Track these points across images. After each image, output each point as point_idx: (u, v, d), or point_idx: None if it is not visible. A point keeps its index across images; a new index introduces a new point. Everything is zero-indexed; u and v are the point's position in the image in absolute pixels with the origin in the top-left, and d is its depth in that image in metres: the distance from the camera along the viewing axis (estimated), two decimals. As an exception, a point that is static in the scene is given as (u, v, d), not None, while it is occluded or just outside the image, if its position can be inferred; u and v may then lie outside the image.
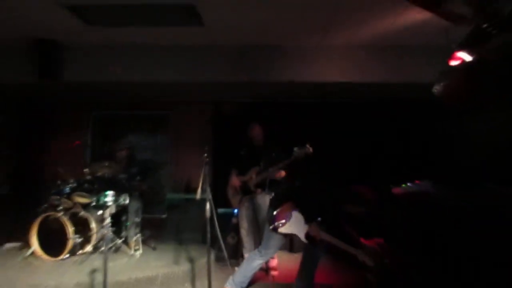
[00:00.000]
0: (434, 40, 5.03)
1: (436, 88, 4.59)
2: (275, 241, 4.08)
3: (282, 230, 4.01)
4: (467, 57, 3.96)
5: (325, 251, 4.19)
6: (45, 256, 4.82)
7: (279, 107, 6.53)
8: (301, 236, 4.05)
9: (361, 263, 3.91)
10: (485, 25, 3.59)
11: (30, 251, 4.91)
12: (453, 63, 4.20)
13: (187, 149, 7.08)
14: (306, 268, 4.20)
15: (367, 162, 6.35)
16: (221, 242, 4.03)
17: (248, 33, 5.17)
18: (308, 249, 4.20)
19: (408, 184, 4.53)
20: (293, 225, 4.06)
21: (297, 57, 5.53)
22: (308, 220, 4.08)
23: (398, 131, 6.34)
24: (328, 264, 5.84)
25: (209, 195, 3.45)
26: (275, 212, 3.98)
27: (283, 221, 3.98)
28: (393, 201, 4.72)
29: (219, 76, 5.59)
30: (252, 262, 4.14)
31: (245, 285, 4.11)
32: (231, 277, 4.10)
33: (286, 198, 4.17)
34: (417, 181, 4.50)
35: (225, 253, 3.99)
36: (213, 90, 6.31)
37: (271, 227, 4.03)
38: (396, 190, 4.65)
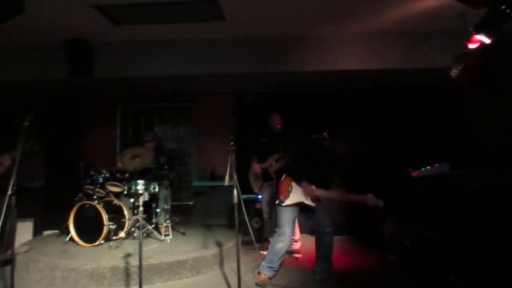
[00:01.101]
0: (450, 24, 5.03)
1: (454, 72, 4.62)
2: (285, 216, 4.22)
3: (288, 202, 4.17)
4: (486, 40, 3.99)
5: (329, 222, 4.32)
6: (81, 242, 5.06)
7: (300, 96, 6.63)
8: (308, 202, 4.21)
9: (372, 209, 4.01)
10: (503, 7, 3.62)
11: (68, 238, 5.18)
12: (471, 46, 4.23)
13: (210, 139, 7.28)
14: (321, 253, 4.32)
15: (386, 148, 6.41)
16: (249, 226, 4.20)
17: (267, 25, 5.28)
18: (318, 234, 4.32)
19: (427, 167, 4.60)
20: (296, 194, 4.24)
21: (315, 46, 5.60)
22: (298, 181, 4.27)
23: (416, 116, 6.35)
24: (349, 247, 6.00)
25: (236, 182, 3.61)
26: None
27: (285, 193, 4.13)
28: (413, 184, 4.81)
29: (240, 68, 5.72)
30: (273, 246, 4.29)
31: (275, 268, 4.26)
32: (262, 263, 4.29)
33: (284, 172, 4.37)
34: (436, 164, 4.57)
35: (253, 237, 4.16)
36: (235, 81, 6.45)
37: (276, 202, 4.25)
38: (415, 173, 4.73)
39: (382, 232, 5.50)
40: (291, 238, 4.40)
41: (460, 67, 4.59)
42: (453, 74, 4.65)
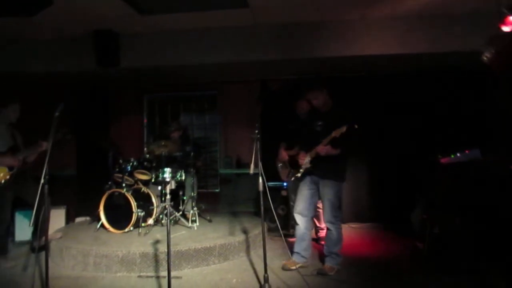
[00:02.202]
0: (481, 6, 4.85)
1: (486, 56, 4.46)
2: (298, 190, 4.33)
3: (298, 175, 4.26)
4: (521, 22, 3.84)
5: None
6: (112, 229, 5.20)
7: (325, 82, 6.58)
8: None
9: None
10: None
11: (99, 225, 5.33)
12: (505, 28, 4.08)
13: (236, 126, 7.31)
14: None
15: (414, 134, 6.29)
16: (274, 214, 4.22)
17: (291, 11, 5.20)
18: None
19: (457, 154, 4.50)
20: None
21: (340, 32, 5.50)
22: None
23: (445, 102, 6.20)
24: (377, 234, 5.96)
25: (261, 170, 3.62)
26: None
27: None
28: (443, 170, 4.72)
29: (264, 55, 5.68)
30: (297, 230, 4.36)
31: (305, 254, 4.29)
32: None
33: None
34: (466, 151, 4.46)
35: (278, 225, 4.17)
36: (259, 68, 6.43)
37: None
38: (444, 160, 4.64)
39: (411, 220, 5.45)
40: (297, 217, 4.39)
41: (492, 51, 4.43)
42: (485, 58, 4.50)
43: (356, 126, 3.97)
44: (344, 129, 3.84)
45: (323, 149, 4.00)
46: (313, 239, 5.58)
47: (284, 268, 4.28)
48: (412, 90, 6.37)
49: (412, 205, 5.48)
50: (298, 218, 4.36)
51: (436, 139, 5.98)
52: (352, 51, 5.52)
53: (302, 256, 4.32)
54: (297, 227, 4.41)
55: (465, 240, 4.12)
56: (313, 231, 5.64)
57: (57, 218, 5.95)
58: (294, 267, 4.24)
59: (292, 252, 4.39)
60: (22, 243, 5.62)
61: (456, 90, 6.13)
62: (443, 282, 3.80)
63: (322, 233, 5.37)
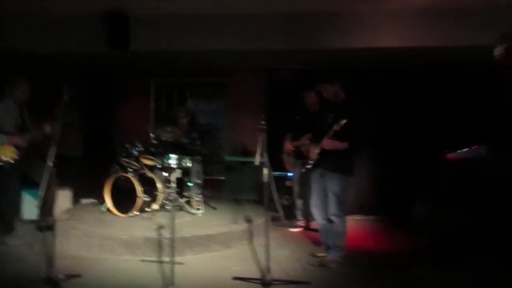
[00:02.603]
0: (494, 2, 4.79)
1: (498, 51, 4.40)
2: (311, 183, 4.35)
3: (308, 167, 4.26)
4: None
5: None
6: (117, 212, 5.25)
7: (333, 73, 6.56)
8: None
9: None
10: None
11: (104, 207, 5.40)
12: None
13: (242, 114, 7.30)
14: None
15: (420, 128, 6.27)
16: (278, 204, 4.23)
17: (302, 1, 5.16)
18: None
19: (464, 149, 4.49)
20: None
21: (351, 23, 5.44)
22: None
23: (455, 97, 6.16)
24: (379, 227, 5.98)
25: (267, 161, 3.63)
26: None
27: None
28: (448, 166, 4.71)
29: (274, 44, 5.65)
30: (317, 223, 4.39)
31: (329, 245, 4.29)
32: None
33: None
34: (474, 147, 4.45)
35: (281, 214, 4.19)
36: (268, 57, 6.40)
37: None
38: (451, 156, 4.63)
39: (415, 214, 5.45)
40: (313, 210, 4.42)
41: (504, 46, 4.37)
42: (496, 54, 4.44)
43: (363, 119, 3.96)
44: (343, 122, 3.82)
45: (327, 142, 3.99)
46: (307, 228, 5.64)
47: (312, 255, 4.40)
48: (420, 84, 6.35)
49: (417, 199, 5.48)
50: (313, 211, 4.40)
51: (442, 134, 5.95)
52: (362, 43, 5.48)
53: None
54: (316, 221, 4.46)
55: (468, 236, 4.13)
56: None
57: (63, 199, 6.00)
58: (320, 255, 4.32)
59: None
60: (29, 222, 5.68)
61: (465, 85, 6.09)
62: (443, 277, 3.82)
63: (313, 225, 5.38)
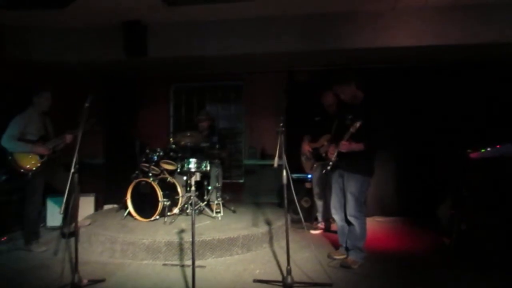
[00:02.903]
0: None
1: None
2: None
3: (328, 168, 4.20)
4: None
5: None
6: (138, 217, 5.31)
7: (353, 73, 6.52)
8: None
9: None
10: None
11: (126, 213, 5.45)
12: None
13: (261, 117, 7.30)
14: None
15: (444, 127, 6.16)
16: (298, 206, 4.22)
17: (320, 1, 5.15)
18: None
19: (488, 148, 4.39)
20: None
21: (369, 22, 5.40)
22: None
23: (476, 95, 6.05)
24: (402, 229, 5.90)
25: (285, 163, 3.62)
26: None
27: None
28: (472, 165, 4.61)
29: (291, 45, 5.64)
30: (337, 225, 4.37)
31: (349, 247, 4.26)
32: None
33: None
34: (498, 145, 4.35)
35: (302, 217, 4.17)
36: (286, 59, 6.38)
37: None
38: (474, 155, 4.53)
39: (438, 215, 5.36)
40: (332, 211, 4.39)
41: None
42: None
43: (381, 120, 3.92)
44: (358, 124, 3.79)
45: (343, 145, 3.97)
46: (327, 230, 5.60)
47: (329, 257, 4.38)
48: (442, 82, 6.25)
49: (439, 200, 5.39)
50: (333, 212, 4.38)
51: (466, 133, 5.84)
52: (381, 42, 5.42)
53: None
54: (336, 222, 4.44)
55: (495, 236, 4.04)
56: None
57: (86, 205, 6.11)
58: (338, 257, 4.31)
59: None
60: (53, 229, 5.82)
61: (488, 83, 5.96)
62: (470, 278, 3.74)
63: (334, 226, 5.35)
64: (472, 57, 5.83)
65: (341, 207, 4.25)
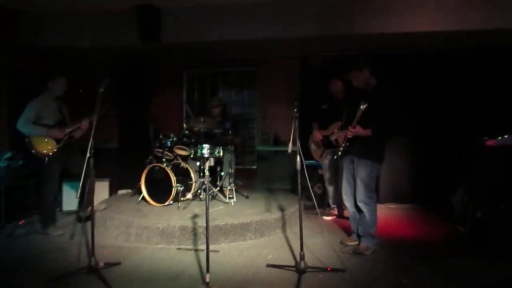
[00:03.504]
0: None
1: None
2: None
3: (339, 154, 4.21)
4: None
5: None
6: (153, 202, 5.36)
7: (368, 60, 6.45)
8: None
9: None
10: None
11: (140, 198, 5.51)
12: None
13: (274, 103, 7.28)
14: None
15: (459, 115, 6.08)
16: (311, 192, 4.21)
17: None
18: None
19: (505, 136, 4.32)
20: None
21: (384, 7, 5.31)
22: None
23: (493, 82, 5.93)
24: (417, 216, 5.87)
25: (299, 149, 3.61)
26: None
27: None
28: (488, 153, 4.56)
29: (305, 31, 5.59)
30: (349, 211, 4.38)
31: (360, 234, 4.26)
32: None
33: None
34: (515, 133, 4.29)
35: (315, 203, 4.17)
36: (300, 45, 6.32)
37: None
38: (491, 142, 4.47)
39: (452, 202, 5.32)
40: (343, 197, 4.39)
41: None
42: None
43: (393, 105, 3.87)
44: (363, 107, 3.75)
45: (351, 131, 3.95)
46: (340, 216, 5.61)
47: (341, 243, 4.40)
48: (458, 69, 6.15)
49: (454, 188, 5.34)
50: (344, 199, 4.38)
51: (482, 120, 5.75)
52: (397, 27, 5.33)
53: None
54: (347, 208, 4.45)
55: (509, 224, 3.99)
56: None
57: (101, 190, 6.19)
58: (350, 243, 4.34)
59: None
60: (68, 213, 5.91)
61: (506, 70, 5.84)
62: (484, 267, 3.71)
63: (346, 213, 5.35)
64: (490, 43, 5.70)
65: (352, 194, 4.24)
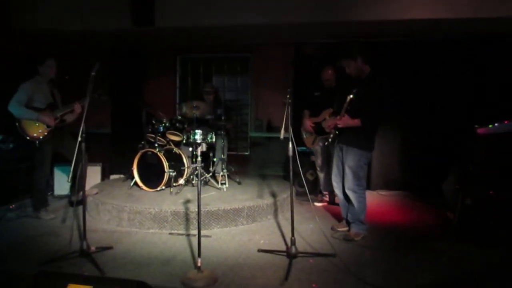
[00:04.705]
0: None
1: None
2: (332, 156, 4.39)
3: (329, 140, 4.25)
4: None
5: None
6: (145, 187, 5.36)
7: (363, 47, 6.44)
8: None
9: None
10: None
11: (132, 183, 5.51)
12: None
13: (268, 89, 7.25)
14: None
15: (450, 102, 6.11)
16: (303, 179, 4.24)
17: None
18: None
19: (496, 124, 4.36)
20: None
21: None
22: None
23: (485, 70, 5.96)
24: (407, 203, 5.93)
25: (291, 135, 3.62)
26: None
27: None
28: (479, 141, 4.59)
29: (300, 17, 5.54)
30: (337, 198, 4.43)
31: (350, 221, 4.31)
32: None
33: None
34: (506, 121, 4.31)
35: (307, 189, 4.19)
36: (294, 31, 6.28)
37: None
38: (482, 130, 4.50)
39: (442, 189, 5.37)
40: (333, 184, 4.43)
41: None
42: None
43: (386, 93, 3.88)
44: (349, 97, 3.80)
45: (341, 120, 3.98)
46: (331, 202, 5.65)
47: (332, 229, 4.43)
48: (450, 57, 6.16)
49: (444, 175, 5.39)
50: (334, 186, 4.41)
51: (474, 108, 5.79)
52: (391, 15, 5.30)
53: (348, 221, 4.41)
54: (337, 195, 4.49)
55: (499, 213, 4.05)
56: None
57: (93, 175, 6.18)
58: (341, 229, 4.38)
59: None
60: (60, 197, 5.90)
61: (497, 58, 5.87)
62: (470, 252, 3.78)
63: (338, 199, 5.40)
64: (485, 31, 5.71)
65: (342, 181, 4.27)
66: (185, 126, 5.71)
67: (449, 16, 5.18)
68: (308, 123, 5.36)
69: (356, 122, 3.92)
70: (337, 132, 4.11)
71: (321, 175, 5.67)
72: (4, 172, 5.31)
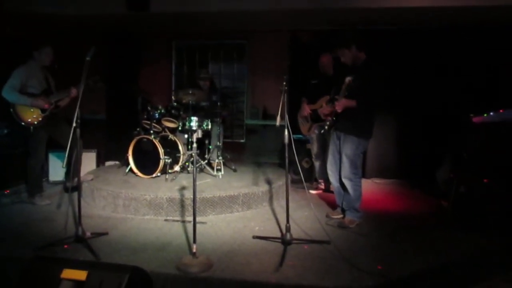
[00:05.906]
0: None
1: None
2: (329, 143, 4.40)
3: (326, 128, 4.23)
4: None
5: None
6: (140, 174, 5.35)
7: (360, 35, 6.40)
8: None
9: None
10: None
11: (128, 169, 5.50)
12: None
13: (264, 77, 7.22)
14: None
15: (445, 91, 6.12)
16: (299, 166, 4.24)
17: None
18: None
19: (491, 113, 4.37)
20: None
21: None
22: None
23: (481, 59, 5.95)
24: (401, 191, 5.97)
25: (287, 123, 3.61)
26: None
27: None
28: (474, 129, 4.61)
29: (297, 3, 5.50)
30: (332, 185, 4.43)
31: (345, 208, 4.34)
32: None
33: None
34: (501, 110, 4.33)
35: (302, 177, 4.20)
36: (290, 18, 6.23)
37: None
38: (477, 119, 4.52)
39: (436, 177, 5.41)
40: (328, 172, 4.44)
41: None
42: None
43: (380, 80, 3.88)
44: (347, 80, 3.81)
45: (339, 104, 3.96)
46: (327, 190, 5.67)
47: (327, 216, 4.46)
48: (446, 46, 6.14)
49: (439, 163, 5.42)
50: (329, 174, 4.41)
51: (469, 97, 5.79)
52: (390, 2, 5.27)
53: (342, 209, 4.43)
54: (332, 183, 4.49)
55: (492, 201, 4.09)
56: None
57: (88, 161, 6.17)
58: (335, 217, 4.39)
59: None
60: (55, 183, 5.89)
61: (493, 47, 5.86)
62: (464, 240, 3.81)
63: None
64: (479, 20, 5.69)
65: (337, 169, 4.27)
66: (181, 112, 5.69)
67: (447, 4, 5.14)
68: (306, 109, 5.36)
69: (352, 103, 3.91)
70: (334, 118, 4.10)
71: (317, 163, 5.68)
72: (-2, 157, 5.28)
